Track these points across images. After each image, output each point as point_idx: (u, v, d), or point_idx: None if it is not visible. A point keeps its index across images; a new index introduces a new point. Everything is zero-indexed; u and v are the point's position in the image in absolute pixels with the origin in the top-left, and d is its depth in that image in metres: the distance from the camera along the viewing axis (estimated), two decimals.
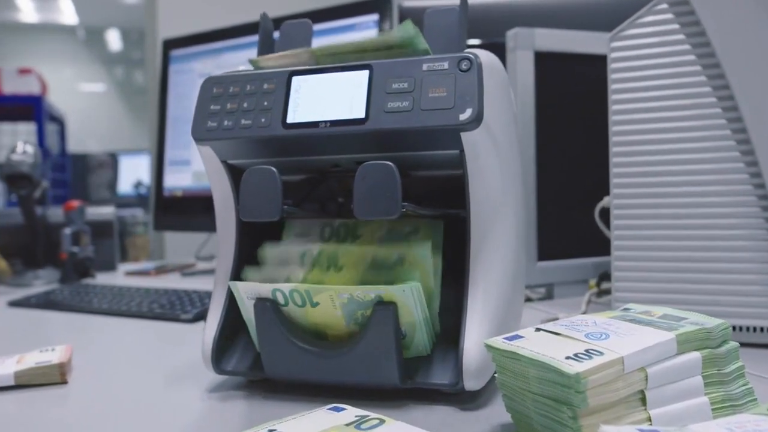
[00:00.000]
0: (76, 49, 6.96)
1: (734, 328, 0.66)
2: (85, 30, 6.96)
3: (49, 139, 2.63)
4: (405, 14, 1.19)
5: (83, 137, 5.95)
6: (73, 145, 3.87)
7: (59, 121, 3.06)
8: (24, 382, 0.61)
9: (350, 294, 0.51)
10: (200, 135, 0.57)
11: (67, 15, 6.55)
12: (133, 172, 4.59)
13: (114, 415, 0.54)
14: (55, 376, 0.62)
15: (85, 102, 6.67)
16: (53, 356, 0.63)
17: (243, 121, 0.55)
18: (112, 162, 4.43)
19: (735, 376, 0.44)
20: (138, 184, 4.46)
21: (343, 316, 0.52)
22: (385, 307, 0.50)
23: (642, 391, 0.41)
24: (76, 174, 3.86)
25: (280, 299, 0.53)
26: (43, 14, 6.57)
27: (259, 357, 0.56)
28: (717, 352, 0.44)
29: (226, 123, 0.56)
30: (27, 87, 2.46)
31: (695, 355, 0.43)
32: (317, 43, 0.62)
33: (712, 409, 0.43)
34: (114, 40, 7.13)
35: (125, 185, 4.59)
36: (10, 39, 6.51)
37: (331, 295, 0.52)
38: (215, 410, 0.54)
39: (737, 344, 0.45)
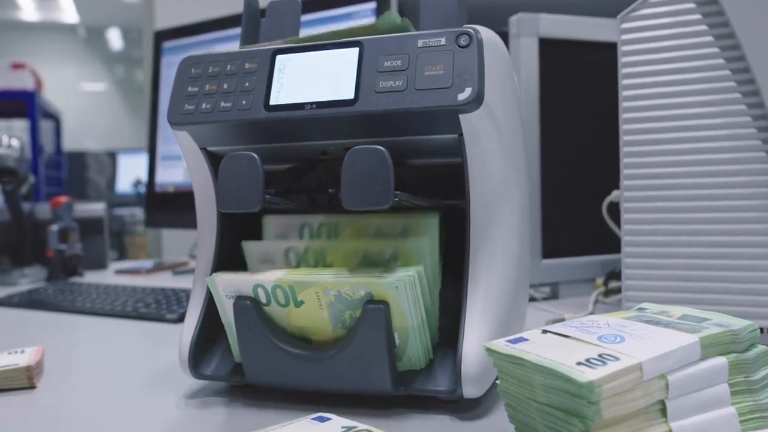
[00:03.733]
0: (77, 48, 6.94)
1: (762, 330, 0.61)
2: (86, 29, 6.93)
3: (44, 136, 2.59)
4: (403, 3, 1.15)
5: (83, 136, 5.92)
6: (73, 144, 3.85)
7: (55, 118, 3.02)
8: None
9: (338, 291, 0.47)
10: (176, 119, 0.52)
11: (68, 14, 6.53)
12: (133, 171, 4.56)
13: (81, 423, 0.50)
14: (22, 380, 0.57)
15: (85, 101, 6.64)
16: (21, 359, 0.59)
17: (222, 104, 0.51)
18: (110, 161, 4.40)
19: (764, 384, 0.40)
20: (137, 183, 4.42)
21: (330, 318, 0.48)
22: (376, 306, 0.46)
23: (662, 401, 0.37)
24: (75, 172, 3.82)
25: (262, 297, 0.49)
26: (44, 13, 6.54)
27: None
28: (745, 356, 0.39)
29: (204, 106, 0.51)
30: (20, 82, 2.41)
31: (721, 361, 0.38)
32: (312, 31, 0.58)
33: (740, 421, 0.39)
34: (115, 39, 7.10)
35: (124, 184, 4.55)
36: (10, 37, 6.48)
37: (317, 292, 0.47)
38: (192, 418, 0.50)
39: (767, 348, 0.40)
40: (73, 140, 4.23)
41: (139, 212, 3.23)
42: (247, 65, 0.51)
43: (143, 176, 4.62)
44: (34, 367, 0.58)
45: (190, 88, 0.52)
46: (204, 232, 0.56)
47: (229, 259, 0.55)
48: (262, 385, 0.52)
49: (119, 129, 6.58)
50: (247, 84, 0.51)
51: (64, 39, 6.86)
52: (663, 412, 0.37)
